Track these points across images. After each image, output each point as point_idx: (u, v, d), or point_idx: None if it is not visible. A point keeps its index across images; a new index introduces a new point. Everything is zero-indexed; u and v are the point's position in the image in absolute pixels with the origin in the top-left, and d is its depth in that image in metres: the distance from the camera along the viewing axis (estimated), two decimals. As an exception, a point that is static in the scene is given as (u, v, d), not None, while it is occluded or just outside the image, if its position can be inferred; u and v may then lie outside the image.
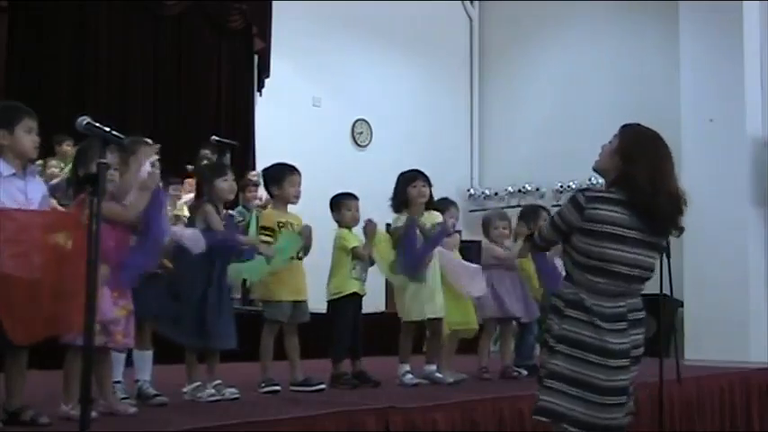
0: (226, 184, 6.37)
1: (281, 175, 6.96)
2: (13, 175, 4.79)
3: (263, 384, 6.55)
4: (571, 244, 4.26)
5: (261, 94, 14.59)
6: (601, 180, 4.71)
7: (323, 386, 6.74)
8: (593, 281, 4.18)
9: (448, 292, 7.55)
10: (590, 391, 4.12)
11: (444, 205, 7.90)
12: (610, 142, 4.43)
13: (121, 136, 4.14)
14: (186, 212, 9.00)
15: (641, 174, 4.19)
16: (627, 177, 4.24)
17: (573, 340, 4.15)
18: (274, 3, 14.44)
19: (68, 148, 10.54)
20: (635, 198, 4.17)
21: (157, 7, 13.44)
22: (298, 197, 6.97)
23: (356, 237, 7.31)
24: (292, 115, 14.62)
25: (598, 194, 4.26)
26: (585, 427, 4.15)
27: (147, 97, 13.26)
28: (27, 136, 4.85)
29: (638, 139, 4.35)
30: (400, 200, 7.48)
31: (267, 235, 6.75)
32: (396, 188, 7.53)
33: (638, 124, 4.43)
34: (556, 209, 4.71)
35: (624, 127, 4.42)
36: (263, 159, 12.68)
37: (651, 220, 4.19)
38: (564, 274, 4.54)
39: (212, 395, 5.99)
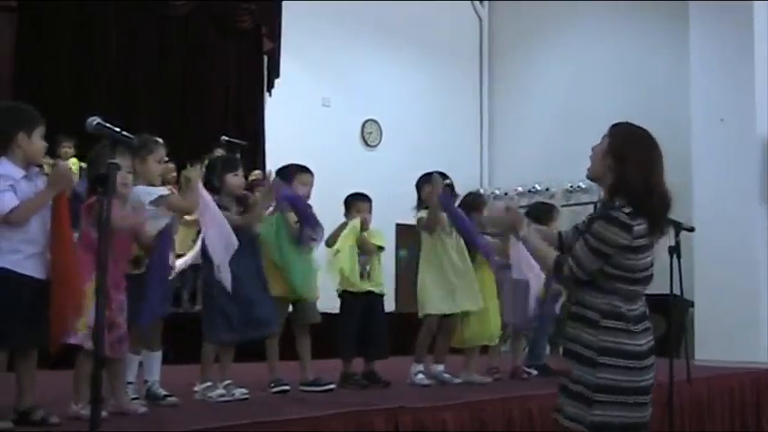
0: (236, 179, 6.40)
1: (292, 175, 6.97)
2: (24, 177, 4.81)
3: (272, 384, 6.56)
4: (609, 262, 4.14)
5: (270, 95, 14.61)
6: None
7: (332, 386, 6.74)
8: (625, 288, 4.13)
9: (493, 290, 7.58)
10: (638, 394, 4.10)
11: (479, 200, 7.91)
12: (600, 143, 4.35)
13: (131, 136, 4.14)
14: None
15: (634, 174, 4.14)
16: (621, 180, 4.18)
17: (614, 350, 4.08)
18: (283, 3, 14.44)
19: (68, 149, 10.57)
20: (630, 200, 4.12)
21: (164, 7, 13.47)
22: (307, 198, 6.97)
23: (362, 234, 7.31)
24: (302, 115, 14.62)
25: (630, 209, 4.15)
26: (634, 429, 4.13)
27: (154, 98, 13.28)
28: (41, 142, 4.88)
29: (628, 137, 4.26)
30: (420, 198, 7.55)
31: None
32: (417, 186, 7.57)
33: (628, 123, 4.35)
34: (566, 208, 4.63)
35: (614, 126, 4.33)
36: (273, 159, 12.70)
37: (649, 220, 4.15)
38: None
39: (222, 395, 6.01)
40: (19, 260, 4.68)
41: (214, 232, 5.96)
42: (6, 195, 4.66)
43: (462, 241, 7.47)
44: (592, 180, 4.44)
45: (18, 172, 4.76)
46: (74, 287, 4.75)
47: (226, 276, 5.95)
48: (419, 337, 7.46)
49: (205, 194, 5.89)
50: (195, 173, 5.84)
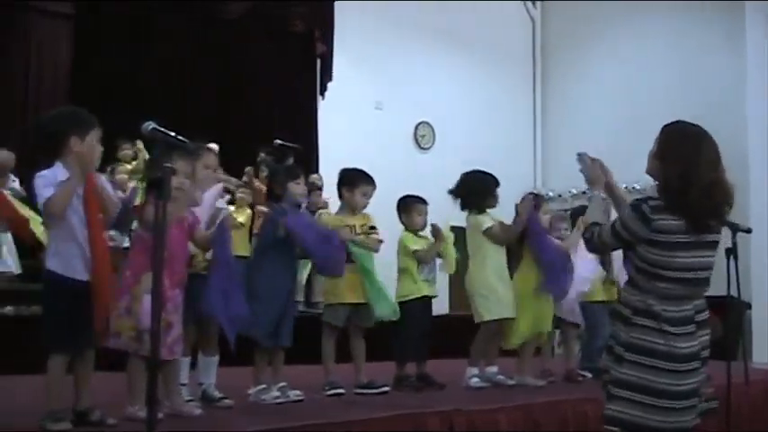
0: (299, 188, 6.43)
1: (356, 182, 6.96)
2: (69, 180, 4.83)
3: (327, 387, 6.57)
4: (636, 253, 4.15)
5: (323, 98, 14.65)
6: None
7: (387, 389, 6.74)
8: (660, 287, 4.10)
9: (526, 298, 7.53)
10: (662, 398, 4.05)
11: (537, 202, 7.89)
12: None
13: (186, 140, 4.18)
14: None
15: (672, 170, 4.11)
16: (663, 178, 4.17)
17: (642, 348, 4.06)
18: (336, 6, 14.47)
19: (128, 151, 10.69)
20: (669, 197, 4.10)
21: (218, 11, 13.56)
22: (364, 208, 6.98)
23: (419, 239, 7.30)
24: (355, 118, 14.65)
25: (660, 203, 4.15)
26: None
27: (207, 101, 13.39)
28: (96, 146, 4.90)
29: (672, 136, 4.25)
30: (473, 200, 7.51)
31: None
32: (473, 187, 7.54)
33: (679, 121, 4.33)
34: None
35: (664, 127, 4.33)
36: (326, 163, 12.76)
37: (686, 217, 4.10)
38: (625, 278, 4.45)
39: (277, 397, 6.02)
40: (65, 262, 4.74)
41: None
42: (44, 189, 4.71)
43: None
44: (652, 179, 4.43)
45: (63, 174, 4.79)
46: (99, 287, 4.77)
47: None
48: (476, 342, 7.43)
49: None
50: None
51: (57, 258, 4.74)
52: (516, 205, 7.49)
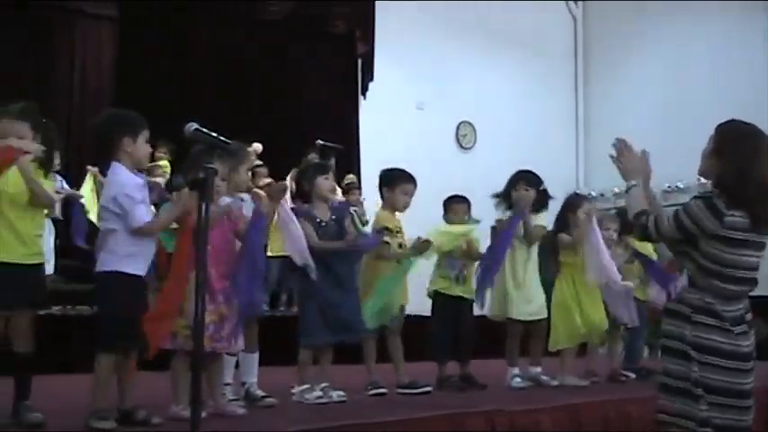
0: (326, 182, 6.42)
1: (396, 181, 6.96)
2: (143, 184, 4.92)
3: (369, 387, 6.58)
4: (699, 249, 4.09)
5: (365, 98, 14.66)
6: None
7: (429, 389, 6.74)
8: (720, 286, 4.07)
9: (562, 305, 7.51)
10: (730, 396, 4.03)
11: (578, 201, 7.85)
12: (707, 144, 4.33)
13: (228, 141, 4.20)
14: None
15: (728, 168, 4.09)
16: (719, 175, 4.15)
17: (706, 347, 4.03)
18: (377, 6, 14.48)
19: (162, 154, 10.75)
20: (728, 194, 4.06)
21: (259, 13, 13.62)
22: (405, 207, 6.97)
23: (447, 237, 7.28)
24: (397, 118, 14.66)
25: (729, 200, 4.10)
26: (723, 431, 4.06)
27: (249, 102, 13.44)
28: (145, 146, 4.99)
29: (728, 134, 4.23)
30: (506, 201, 7.48)
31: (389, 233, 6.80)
32: (505, 187, 7.52)
33: (733, 120, 4.30)
34: (664, 209, 4.54)
35: (718, 126, 4.31)
36: (368, 163, 12.78)
37: (748, 213, 4.07)
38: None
39: (319, 397, 6.03)
40: (133, 262, 4.82)
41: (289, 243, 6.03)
42: (140, 209, 4.80)
43: (535, 253, 7.45)
44: (703, 176, 4.40)
45: (136, 178, 4.87)
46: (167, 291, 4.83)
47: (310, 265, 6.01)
48: (507, 343, 7.45)
49: (282, 210, 5.91)
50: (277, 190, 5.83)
51: (114, 258, 4.81)
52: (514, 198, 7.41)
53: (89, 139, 10.79)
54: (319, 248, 6.14)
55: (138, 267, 4.84)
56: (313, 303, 6.10)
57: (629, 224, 7.58)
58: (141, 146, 4.96)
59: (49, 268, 9.22)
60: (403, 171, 7.05)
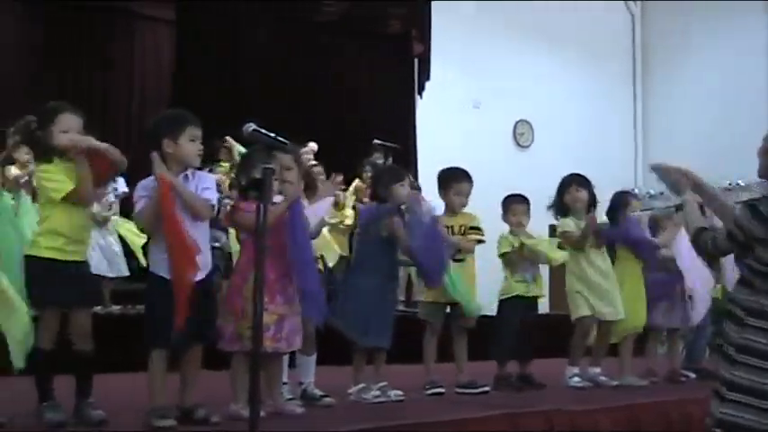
0: (403, 190, 6.40)
1: (449, 182, 6.95)
2: (185, 178, 4.94)
3: (427, 386, 6.57)
4: (754, 255, 4.06)
5: (421, 98, 14.66)
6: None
7: (487, 388, 6.72)
8: None
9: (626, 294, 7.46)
10: (752, 396, 3.97)
11: (625, 199, 7.79)
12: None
13: (286, 141, 4.22)
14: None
15: None
16: None
17: (756, 350, 3.98)
18: (433, 6, 14.47)
19: (222, 155, 10.81)
20: None
21: (316, 13, 13.67)
22: (462, 206, 6.95)
23: (515, 238, 7.25)
24: (454, 117, 14.64)
25: None
26: None
27: (305, 103, 13.50)
28: (190, 144, 4.96)
29: None
30: (560, 205, 7.43)
31: None
32: (557, 193, 7.48)
33: None
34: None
35: None
36: (425, 162, 12.78)
37: None
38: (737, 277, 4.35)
39: (377, 396, 6.04)
40: (163, 262, 4.84)
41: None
42: (138, 203, 4.89)
43: (605, 247, 7.41)
44: (763, 178, 4.36)
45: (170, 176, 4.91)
46: (177, 286, 4.85)
47: None
48: (573, 341, 7.37)
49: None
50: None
51: (157, 258, 4.85)
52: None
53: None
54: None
55: (165, 267, 4.83)
56: (364, 304, 6.10)
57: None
58: (184, 145, 4.92)
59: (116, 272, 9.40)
60: (455, 170, 7.02)
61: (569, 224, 7.33)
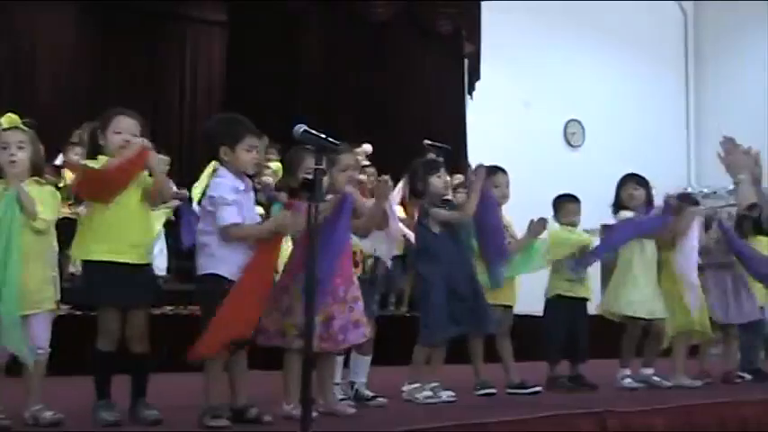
0: (440, 181, 6.40)
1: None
2: (243, 189, 4.98)
3: (478, 387, 6.56)
4: None
5: (471, 97, 14.63)
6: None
7: (539, 389, 6.70)
8: None
9: (671, 293, 7.39)
10: None
11: (688, 202, 7.72)
12: None
13: (337, 143, 4.24)
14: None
15: None
16: None
17: None
18: (483, 5, 14.44)
19: (271, 155, 10.83)
20: None
21: (366, 14, 13.69)
22: (504, 198, 6.93)
23: (569, 235, 7.22)
24: (504, 117, 14.60)
25: None
26: None
27: (356, 103, 13.54)
28: (247, 154, 4.99)
29: None
30: (617, 202, 7.39)
31: None
32: (616, 189, 7.44)
33: None
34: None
35: None
36: (476, 162, 12.70)
37: None
38: None
39: (429, 397, 6.04)
40: (228, 266, 4.87)
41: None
42: (228, 210, 4.82)
43: (655, 250, 7.33)
44: None
45: (235, 181, 4.93)
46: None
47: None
48: (623, 342, 7.33)
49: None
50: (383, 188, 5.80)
51: (210, 260, 4.88)
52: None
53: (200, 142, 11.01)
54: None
55: (230, 270, 4.86)
56: (437, 298, 6.09)
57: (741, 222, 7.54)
58: (240, 154, 4.94)
59: (161, 269, 9.47)
60: (490, 167, 7.02)
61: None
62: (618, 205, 7.38)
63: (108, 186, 4.79)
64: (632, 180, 7.38)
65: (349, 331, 5.29)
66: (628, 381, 7.17)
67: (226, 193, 4.85)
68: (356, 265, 5.63)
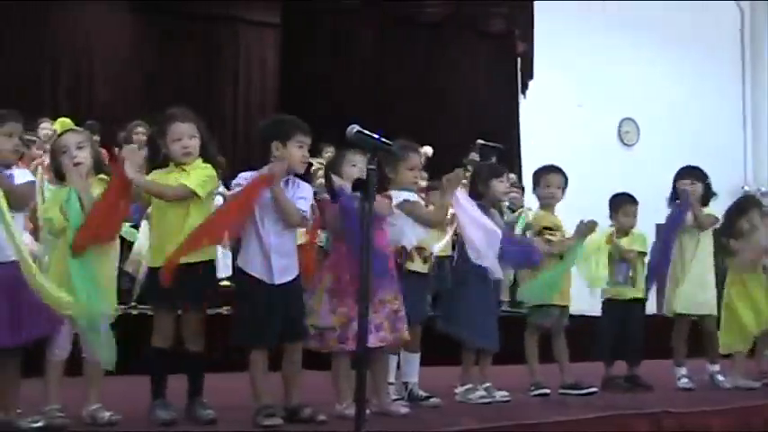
0: (502, 185, 6.41)
1: (538, 177, 6.94)
2: (286, 183, 5.01)
3: (532, 387, 6.54)
4: None
5: (525, 97, 14.58)
6: None
7: (594, 389, 6.66)
8: None
9: (742, 291, 7.31)
10: None
11: (747, 206, 7.63)
12: None
13: (390, 143, 4.24)
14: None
15: None
16: None
17: None
18: (536, 4, 14.38)
19: (329, 156, 10.83)
20: None
21: (419, 14, 13.70)
22: (553, 198, 6.89)
23: (622, 238, 7.17)
24: (557, 116, 14.53)
25: None
26: None
27: (409, 103, 13.54)
28: (299, 150, 5.04)
29: None
30: (675, 198, 7.32)
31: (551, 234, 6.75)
32: (672, 189, 7.37)
33: None
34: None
35: None
36: (529, 161, 12.69)
37: None
38: None
39: (482, 397, 6.03)
40: (249, 260, 4.94)
41: (479, 235, 5.94)
42: (304, 203, 4.98)
43: (705, 244, 7.25)
44: None
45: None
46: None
47: (495, 267, 5.98)
48: (672, 340, 7.27)
49: (462, 199, 5.92)
50: (454, 179, 5.79)
51: (250, 258, 4.95)
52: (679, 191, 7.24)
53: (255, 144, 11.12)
54: None
55: (253, 266, 4.93)
56: (478, 304, 6.07)
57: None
58: (292, 150, 5.01)
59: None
60: (546, 166, 6.99)
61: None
62: (675, 200, 7.30)
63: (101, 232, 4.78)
64: (689, 174, 7.31)
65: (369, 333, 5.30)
66: (684, 380, 7.09)
67: (240, 179, 4.98)
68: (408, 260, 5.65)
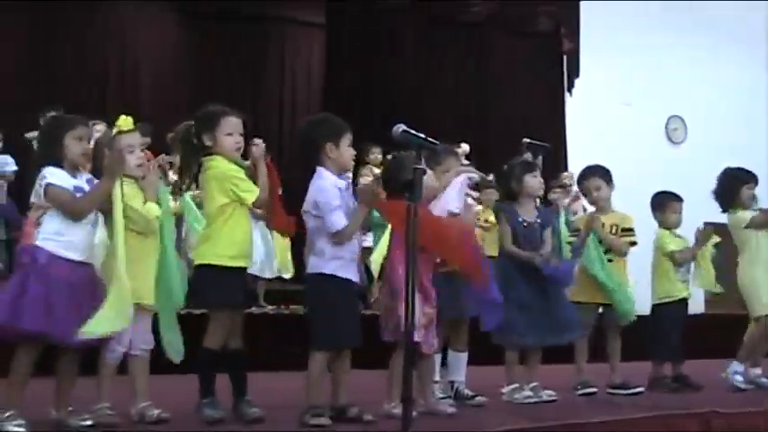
0: (535, 181, 6.36)
1: (587, 177, 6.90)
2: (344, 187, 5.04)
3: (579, 386, 6.51)
4: None
5: (571, 95, 14.51)
6: None
7: (641, 389, 6.62)
8: None
9: None
10: None
11: None
12: None
13: (436, 143, 4.25)
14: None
15: None
16: None
17: None
18: (582, 3, 14.31)
19: (377, 155, 10.83)
20: None
21: (463, 13, 13.68)
22: (602, 200, 6.86)
23: (676, 238, 7.12)
24: (604, 114, 14.43)
25: None
26: None
27: (454, 103, 13.55)
28: (349, 150, 5.07)
29: None
30: (729, 198, 7.23)
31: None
32: (726, 185, 7.29)
33: None
34: None
35: None
36: (575, 160, 12.62)
37: None
38: None
39: (529, 396, 6.02)
40: (341, 265, 4.93)
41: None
42: (336, 214, 4.88)
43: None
44: None
45: (338, 182, 4.99)
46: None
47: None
48: (747, 338, 7.12)
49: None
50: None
51: (320, 261, 4.94)
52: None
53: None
54: (508, 252, 6.17)
55: (345, 270, 4.94)
56: (513, 305, 6.04)
57: None
58: (344, 150, 5.03)
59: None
60: (593, 166, 6.97)
61: (746, 215, 7.15)
62: (728, 203, 7.22)
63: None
64: (753, 179, 7.25)
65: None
66: (738, 378, 6.99)
67: (330, 197, 4.90)
68: None
